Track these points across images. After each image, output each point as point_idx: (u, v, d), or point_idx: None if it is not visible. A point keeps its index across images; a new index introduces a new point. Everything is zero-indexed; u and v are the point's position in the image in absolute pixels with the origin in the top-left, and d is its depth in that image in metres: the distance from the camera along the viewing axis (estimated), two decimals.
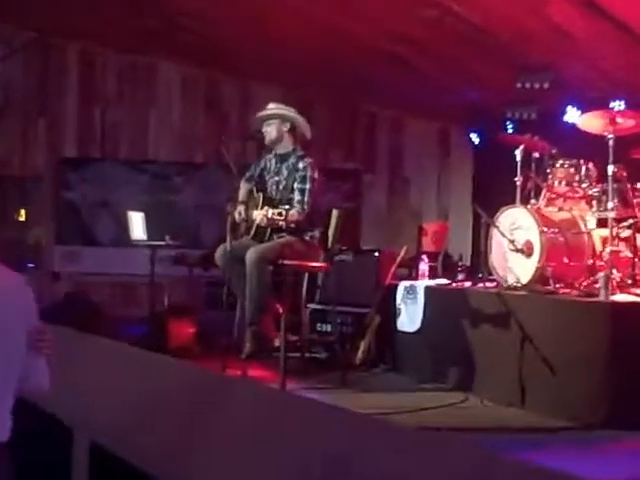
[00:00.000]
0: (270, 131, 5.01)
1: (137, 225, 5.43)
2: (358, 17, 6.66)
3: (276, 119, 5.00)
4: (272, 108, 5.03)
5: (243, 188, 5.18)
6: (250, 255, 4.68)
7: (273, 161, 5.14)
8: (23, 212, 8.99)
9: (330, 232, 5.13)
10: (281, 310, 4.70)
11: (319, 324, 6.25)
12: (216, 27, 7.91)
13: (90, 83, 9.05)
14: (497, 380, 4.53)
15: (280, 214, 4.45)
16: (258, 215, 4.62)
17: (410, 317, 5.40)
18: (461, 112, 8.77)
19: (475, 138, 9.01)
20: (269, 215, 4.46)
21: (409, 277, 6.23)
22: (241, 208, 5.00)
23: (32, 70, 8.85)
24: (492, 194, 8.98)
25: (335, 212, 5.18)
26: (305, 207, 4.86)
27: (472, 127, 8.99)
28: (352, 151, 9.56)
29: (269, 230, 4.84)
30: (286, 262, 4.73)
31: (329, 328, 6.11)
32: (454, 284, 5.39)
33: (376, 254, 6.05)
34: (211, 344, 6.57)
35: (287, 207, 4.60)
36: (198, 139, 9.16)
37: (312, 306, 6.28)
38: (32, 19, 8.42)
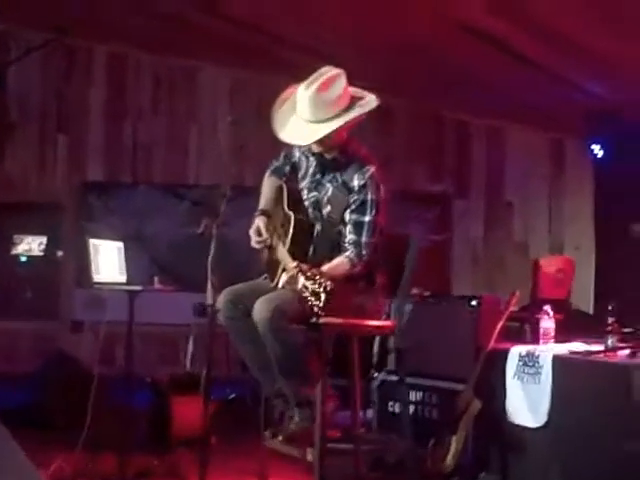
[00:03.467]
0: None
1: (107, 260, 3.72)
2: None
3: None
4: (319, 120, 3.04)
5: (268, 185, 3.38)
6: (259, 310, 2.87)
7: (312, 161, 3.29)
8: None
9: (406, 272, 3.26)
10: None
11: (390, 403, 4.38)
12: (269, 17, 6.25)
13: (120, 92, 7.51)
14: None
15: (315, 295, 2.64)
16: (283, 280, 2.82)
17: (530, 403, 3.49)
18: (580, 116, 6.81)
19: (598, 150, 7.02)
20: (298, 286, 2.69)
21: (522, 338, 4.30)
22: (260, 222, 3.21)
23: (51, 76, 7.39)
24: (622, 221, 7.03)
25: (412, 241, 3.32)
26: (364, 253, 3.07)
27: (594, 136, 7.01)
28: (440, 170, 7.68)
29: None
30: (323, 321, 2.89)
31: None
32: (603, 354, 3.42)
33: (474, 303, 4.14)
34: (244, 427, 4.79)
35: (330, 288, 2.67)
36: (250, 158, 7.41)
37: (381, 376, 4.43)
38: (51, 17, 6.99)
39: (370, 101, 3.15)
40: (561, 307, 4.44)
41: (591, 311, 6.66)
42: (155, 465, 3.72)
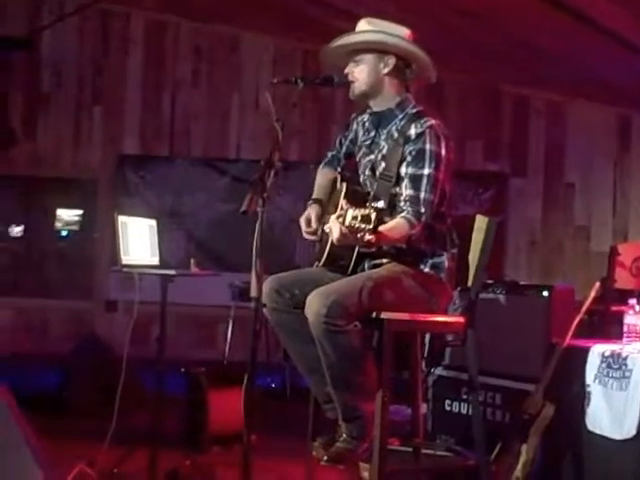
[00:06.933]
0: (359, 74, 2.74)
1: (137, 240, 3.36)
2: None
3: (370, 52, 2.74)
4: (364, 31, 2.77)
5: (321, 176, 2.98)
6: (313, 304, 2.47)
7: (366, 126, 2.88)
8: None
9: (472, 257, 2.84)
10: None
11: (448, 401, 3.98)
12: None
13: (158, 61, 7.14)
14: None
15: (366, 218, 2.22)
16: (329, 223, 2.39)
17: (614, 412, 3.05)
18: None
19: None
20: (347, 221, 2.24)
21: (592, 334, 3.85)
22: (312, 211, 2.81)
23: (86, 44, 7.05)
24: None
25: (482, 220, 2.88)
26: (422, 211, 2.59)
27: None
28: (495, 147, 7.18)
29: (355, 253, 2.61)
30: (386, 315, 2.48)
31: (464, 409, 3.87)
32: None
33: (545, 293, 3.70)
34: (284, 422, 4.43)
35: (381, 206, 2.36)
36: (293, 132, 7.01)
37: (438, 372, 4.03)
38: None
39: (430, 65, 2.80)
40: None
41: None
42: (186, 466, 3.36)
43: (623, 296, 4.36)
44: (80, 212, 7.34)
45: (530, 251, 7.15)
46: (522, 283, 3.99)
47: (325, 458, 2.51)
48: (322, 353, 2.48)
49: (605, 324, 4.03)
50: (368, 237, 2.23)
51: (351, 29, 2.90)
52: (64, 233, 7.35)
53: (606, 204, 7.11)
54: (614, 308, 4.03)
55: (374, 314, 2.50)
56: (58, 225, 7.34)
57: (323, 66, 2.99)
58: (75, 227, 7.36)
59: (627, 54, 5.76)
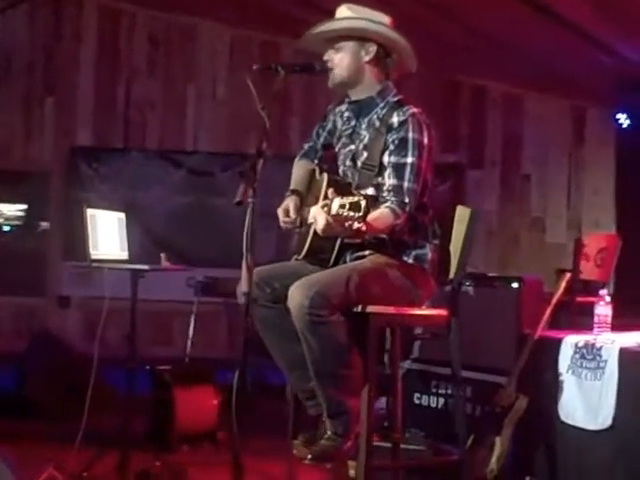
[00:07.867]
0: (339, 62, 2.67)
1: (106, 234, 3.25)
2: None
3: (351, 39, 2.68)
4: (344, 18, 2.71)
5: (297, 168, 2.90)
6: (294, 296, 2.41)
7: (346, 116, 2.83)
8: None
9: (454, 248, 2.81)
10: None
11: (417, 395, 3.97)
12: None
13: (112, 50, 6.97)
14: None
15: (355, 206, 2.17)
16: (313, 212, 2.33)
17: (589, 403, 3.07)
18: (607, 82, 6.36)
19: (624, 119, 6.61)
20: (334, 210, 2.18)
21: (567, 325, 3.88)
22: (290, 202, 2.74)
23: (37, 32, 6.84)
24: None
25: (464, 211, 2.86)
26: (407, 200, 2.55)
27: (621, 104, 6.59)
28: (453, 138, 7.20)
29: (337, 244, 2.56)
30: (371, 309, 2.44)
31: (434, 402, 3.88)
32: None
33: (515, 285, 3.71)
34: (249, 419, 4.34)
35: (370, 193, 2.34)
36: (250, 123, 6.90)
37: (407, 365, 4.01)
38: None
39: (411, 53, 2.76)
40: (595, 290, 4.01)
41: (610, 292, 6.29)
42: (157, 466, 3.27)
43: (587, 287, 4.43)
44: (24, 207, 7.10)
45: (487, 242, 7.19)
46: (490, 275, 4.00)
47: (309, 457, 2.45)
48: (306, 346, 2.42)
49: (571, 315, 4.06)
50: (357, 225, 2.16)
51: (310, 19, 2.84)
52: (6, 228, 7.12)
53: (561, 196, 7.21)
54: (579, 299, 4.07)
55: (359, 307, 2.45)
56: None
57: (299, 53, 2.92)
58: (18, 222, 7.12)
59: (585, 46, 5.82)
